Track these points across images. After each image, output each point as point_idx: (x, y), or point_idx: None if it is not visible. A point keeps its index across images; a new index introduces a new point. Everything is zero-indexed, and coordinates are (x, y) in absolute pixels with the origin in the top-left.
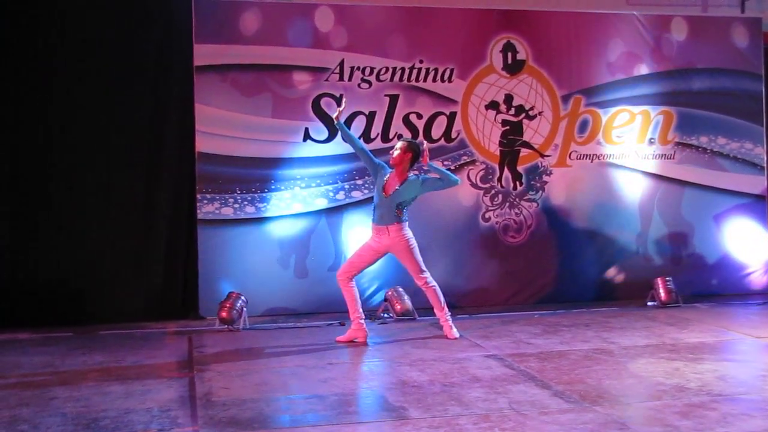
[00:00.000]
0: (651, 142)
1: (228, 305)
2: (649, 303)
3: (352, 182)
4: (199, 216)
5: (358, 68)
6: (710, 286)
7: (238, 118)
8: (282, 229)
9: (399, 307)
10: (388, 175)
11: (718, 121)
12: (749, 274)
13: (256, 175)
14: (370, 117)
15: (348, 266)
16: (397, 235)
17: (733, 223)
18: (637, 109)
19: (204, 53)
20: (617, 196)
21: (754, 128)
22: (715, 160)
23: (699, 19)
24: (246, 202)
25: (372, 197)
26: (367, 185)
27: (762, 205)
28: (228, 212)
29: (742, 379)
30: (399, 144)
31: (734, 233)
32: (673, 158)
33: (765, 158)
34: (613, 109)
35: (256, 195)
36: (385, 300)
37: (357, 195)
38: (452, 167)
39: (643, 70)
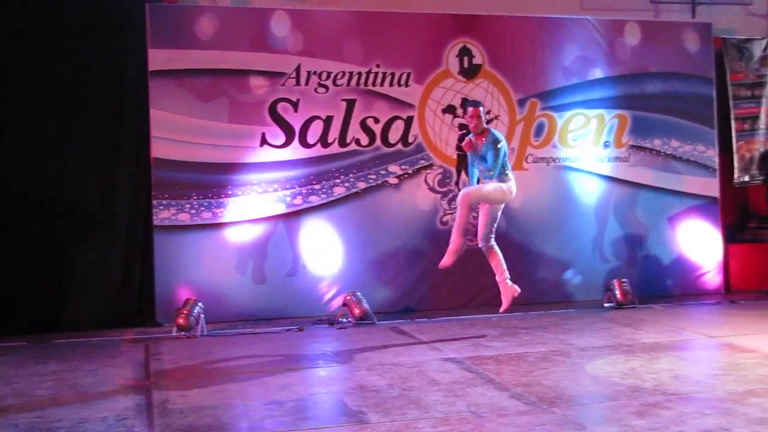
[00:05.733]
0: (606, 145)
1: (185, 312)
2: (606, 304)
3: (310, 187)
4: (155, 222)
5: (315, 73)
6: (665, 287)
7: (195, 123)
8: (239, 235)
9: (358, 311)
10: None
11: (671, 124)
12: (703, 274)
13: (213, 181)
14: (327, 121)
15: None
16: None
17: (687, 224)
18: (592, 112)
19: (159, 58)
20: (573, 198)
21: (706, 131)
22: (668, 163)
23: (651, 23)
24: (203, 208)
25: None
26: (324, 190)
27: (715, 206)
28: (184, 218)
29: (697, 378)
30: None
31: (688, 235)
32: (628, 161)
33: (717, 161)
34: (569, 113)
35: (213, 200)
36: (344, 305)
37: (314, 200)
38: (410, 171)
39: (598, 74)
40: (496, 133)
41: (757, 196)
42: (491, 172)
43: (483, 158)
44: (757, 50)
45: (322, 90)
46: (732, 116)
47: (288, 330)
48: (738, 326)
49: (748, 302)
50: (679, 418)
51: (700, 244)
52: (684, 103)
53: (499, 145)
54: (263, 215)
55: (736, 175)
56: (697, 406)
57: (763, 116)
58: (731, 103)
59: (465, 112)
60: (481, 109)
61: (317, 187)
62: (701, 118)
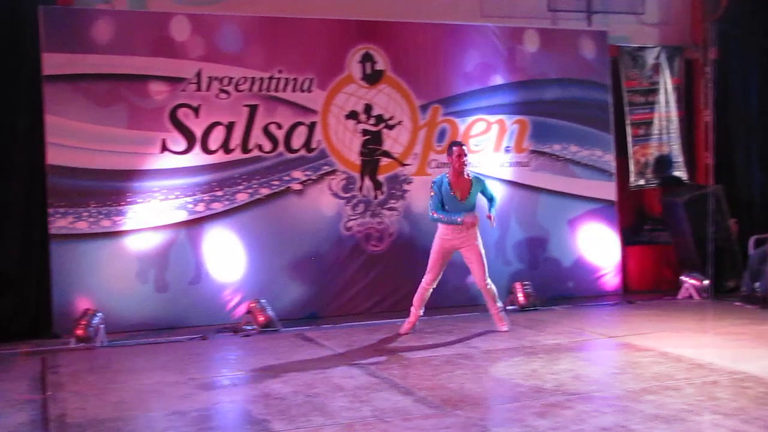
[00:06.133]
0: (507, 150)
1: (84, 322)
2: (509, 307)
3: (212, 194)
4: (52, 231)
5: (216, 78)
6: (566, 289)
7: (92, 129)
8: (140, 243)
9: (262, 318)
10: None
11: (570, 129)
12: (602, 276)
13: (112, 188)
14: (229, 127)
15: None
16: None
17: (586, 227)
18: (493, 118)
19: (54, 62)
20: (476, 203)
21: (603, 136)
22: (568, 167)
23: (549, 31)
24: (101, 216)
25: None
26: (227, 196)
27: (612, 209)
28: (82, 226)
29: (596, 378)
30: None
31: (587, 237)
32: (529, 166)
33: (614, 165)
34: (470, 119)
35: (112, 208)
36: (248, 312)
37: (217, 206)
38: (314, 177)
39: (499, 80)
40: (474, 173)
41: (652, 199)
42: (492, 203)
43: (472, 200)
44: (650, 58)
45: (223, 95)
46: (627, 122)
47: (191, 339)
48: (635, 326)
49: (644, 302)
50: (578, 417)
51: (598, 246)
52: (582, 109)
53: (486, 181)
54: (165, 222)
55: (631, 179)
56: (596, 404)
57: (656, 122)
58: (626, 109)
59: (450, 153)
60: (465, 148)
61: (220, 193)
62: (598, 124)
